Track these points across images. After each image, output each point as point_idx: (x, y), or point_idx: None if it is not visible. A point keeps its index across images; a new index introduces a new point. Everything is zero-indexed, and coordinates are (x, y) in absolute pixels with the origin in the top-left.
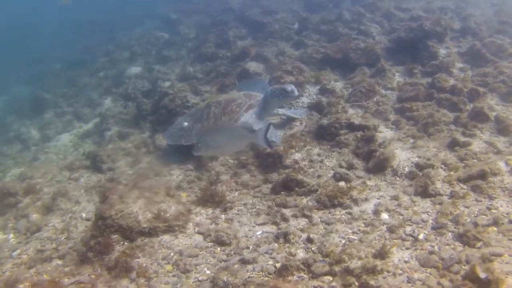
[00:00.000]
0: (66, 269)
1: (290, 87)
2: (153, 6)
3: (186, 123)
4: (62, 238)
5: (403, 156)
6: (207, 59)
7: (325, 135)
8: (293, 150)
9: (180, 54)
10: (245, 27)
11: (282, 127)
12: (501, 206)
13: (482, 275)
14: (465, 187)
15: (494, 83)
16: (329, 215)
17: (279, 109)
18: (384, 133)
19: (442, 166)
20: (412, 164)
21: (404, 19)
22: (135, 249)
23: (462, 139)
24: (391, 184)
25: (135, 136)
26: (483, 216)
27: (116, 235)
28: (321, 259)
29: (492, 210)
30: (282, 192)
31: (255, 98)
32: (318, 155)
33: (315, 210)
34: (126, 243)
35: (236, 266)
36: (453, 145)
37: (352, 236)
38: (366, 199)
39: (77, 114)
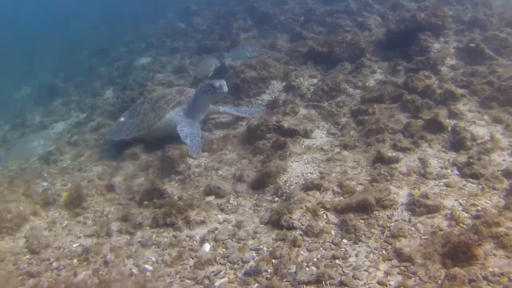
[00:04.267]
0: None
1: (218, 83)
2: None
3: (122, 118)
4: None
5: (299, 171)
6: (205, 51)
7: (252, 138)
8: (205, 154)
9: (187, 46)
10: (252, 18)
11: (227, 126)
12: (355, 255)
13: None
14: (335, 221)
15: (478, 84)
16: (154, 235)
17: (222, 107)
18: (318, 140)
19: (335, 188)
20: (302, 183)
21: (411, 10)
22: None
23: (389, 154)
24: (257, 206)
25: (108, 128)
26: (313, 268)
27: None
28: None
29: (337, 261)
30: (145, 202)
31: (186, 94)
32: (220, 162)
33: (147, 227)
34: None
35: (20, 278)
36: (377, 160)
37: (148, 266)
38: (203, 222)
39: (80, 103)
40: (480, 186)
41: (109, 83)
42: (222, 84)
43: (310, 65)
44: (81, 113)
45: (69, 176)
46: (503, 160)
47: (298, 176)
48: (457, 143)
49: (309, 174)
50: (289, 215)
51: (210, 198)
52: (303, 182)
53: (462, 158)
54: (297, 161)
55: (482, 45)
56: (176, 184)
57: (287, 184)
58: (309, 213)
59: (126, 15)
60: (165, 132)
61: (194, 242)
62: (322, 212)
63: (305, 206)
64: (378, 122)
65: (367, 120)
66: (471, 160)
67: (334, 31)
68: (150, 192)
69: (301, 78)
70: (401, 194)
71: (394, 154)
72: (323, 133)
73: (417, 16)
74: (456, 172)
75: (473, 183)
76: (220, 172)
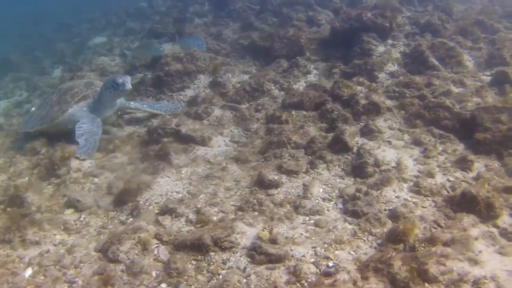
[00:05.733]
0: None
1: (121, 79)
2: None
3: (33, 108)
4: None
5: (164, 189)
6: (155, 36)
7: (150, 141)
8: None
9: (143, 28)
10: (211, 3)
11: (140, 122)
12: None
13: None
14: (165, 258)
15: (410, 97)
16: None
17: (134, 103)
18: (214, 149)
19: (190, 215)
20: (161, 204)
21: (368, 7)
22: None
23: (271, 176)
24: (104, 227)
25: None
26: None
27: None
28: None
29: None
30: (8, 209)
31: (94, 88)
32: (103, 167)
33: None
34: None
35: None
36: (256, 183)
37: None
38: (38, 243)
39: (28, 81)
40: (354, 230)
41: (58, 62)
42: (126, 81)
43: (248, 60)
44: (25, 91)
45: None
46: (396, 197)
47: (161, 195)
48: (357, 169)
49: (174, 194)
50: (118, 246)
51: (69, 211)
52: (161, 204)
53: (351, 189)
54: (169, 177)
55: (427, 53)
56: (52, 190)
57: (146, 204)
58: (139, 246)
59: None
60: (69, 127)
61: (21, 265)
62: (156, 245)
63: (138, 236)
64: (281, 134)
65: (274, 130)
66: (357, 193)
67: (285, 24)
68: (14, 198)
69: (229, 74)
70: (248, 234)
71: (276, 177)
72: (224, 141)
73: (363, 16)
74: (339, 206)
75: (350, 224)
76: (96, 180)
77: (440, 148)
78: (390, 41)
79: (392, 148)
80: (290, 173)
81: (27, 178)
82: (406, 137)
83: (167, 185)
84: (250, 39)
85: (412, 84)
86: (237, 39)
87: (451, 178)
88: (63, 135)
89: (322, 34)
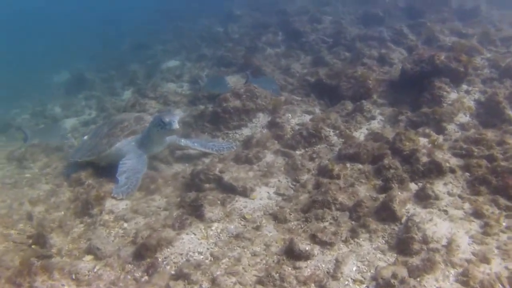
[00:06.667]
0: None
1: (168, 118)
2: None
3: (85, 137)
4: None
5: (186, 248)
6: (224, 64)
7: (192, 185)
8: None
9: (216, 54)
10: (285, 33)
11: (190, 160)
12: None
13: None
14: None
15: (478, 156)
16: None
17: (184, 140)
18: (255, 201)
19: (205, 284)
20: (179, 265)
21: (444, 46)
22: None
23: (302, 246)
24: (114, 284)
25: None
26: None
27: None
28: None
29: None
30: (33, 246)
31: (143, 123)
32: (136, 211)
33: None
34: None
35: None
36: (286, 251)
37: None
38: None
39: (99, 100)
40: None
41: (130, 84)
42: (172, 121)
43: (313, 98)
44: (96, 111)
45: (16, 192)
46: None
47: (182, 254)
48: (402, 243)
49: (195, 254)
50: None
51: (88, 257)
52: (178, 267)
53: (387, 272)
54: (194, 234)
55: (503, 104)
56: (82, 229)
57: (164, 263)
58: None
59: (177, 10)
60: (116, 161)
61: None
62: None
63: None
64: (327, 193)
65: (323, 185)
66: (392, 280)
67: (356, 60)
68: (39, 237)
69: (289, 115)
70: None
71: (307, 248)
72: (268, 193)
73: (435, 58)
74: None
75: None
76: (125, 225)
77: (503, 224)
78: (465, 86)
79: (447, 219)
80: (325, 244)
81: (62, 213)
82: (466, 206)
83: (190, 244)
84: (317, 76)
85: (483, 141)
86: (305, 75)
87: (511, 267)
88: (113, 166)
89: (392, 75)
